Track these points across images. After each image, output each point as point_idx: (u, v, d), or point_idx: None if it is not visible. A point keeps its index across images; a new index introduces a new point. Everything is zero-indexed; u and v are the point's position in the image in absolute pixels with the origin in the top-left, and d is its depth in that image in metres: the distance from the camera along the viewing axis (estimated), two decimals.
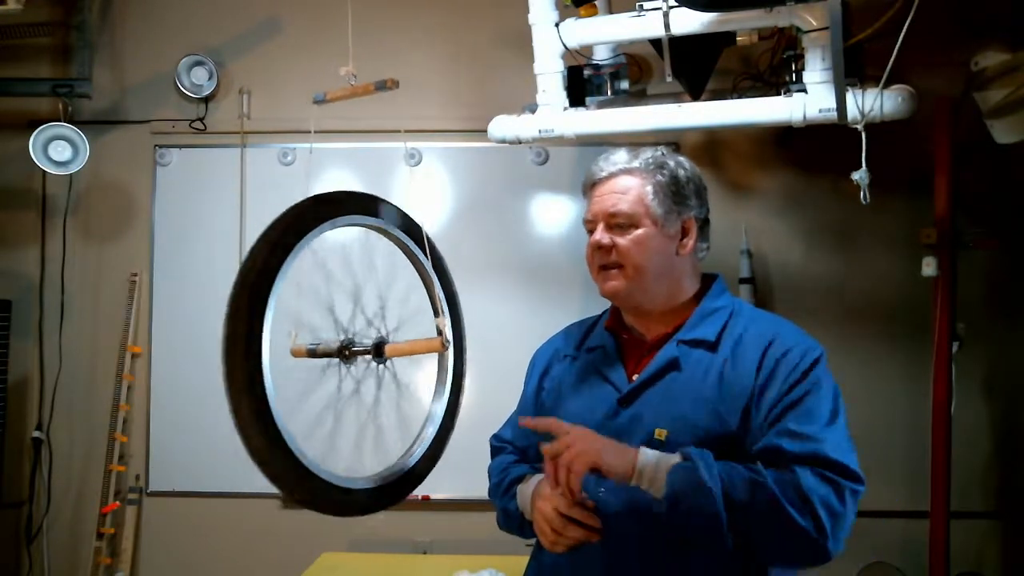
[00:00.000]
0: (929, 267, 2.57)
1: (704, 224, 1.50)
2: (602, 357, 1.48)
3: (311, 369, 1.62)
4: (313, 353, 1.60)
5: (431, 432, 1.72)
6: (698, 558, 1.29)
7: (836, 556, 1.24)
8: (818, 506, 1.20)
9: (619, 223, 1.41)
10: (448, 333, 1.72)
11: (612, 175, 1.44)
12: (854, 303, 2.93)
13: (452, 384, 1.78)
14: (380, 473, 1.61)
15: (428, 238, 1.75)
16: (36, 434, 3.07)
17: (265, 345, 1.35)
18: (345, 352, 1.60)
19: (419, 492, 2.95)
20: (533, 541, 1.46)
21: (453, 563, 2.41)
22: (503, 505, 1.54)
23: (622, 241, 1.41)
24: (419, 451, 1.68)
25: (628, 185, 1.43)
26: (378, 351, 1.62)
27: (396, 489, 1.62)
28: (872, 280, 2.92)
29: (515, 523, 1.52)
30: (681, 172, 1.46)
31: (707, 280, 1.52)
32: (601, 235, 1.42)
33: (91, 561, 3.01)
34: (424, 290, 1.81)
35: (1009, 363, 2.87)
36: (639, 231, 1.41)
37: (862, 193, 2.02)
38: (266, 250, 1.41)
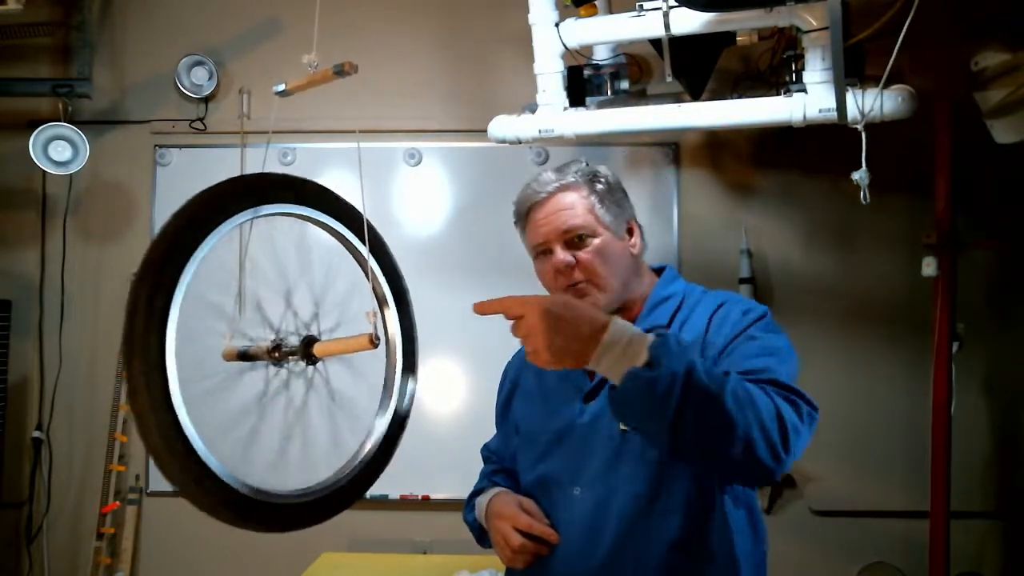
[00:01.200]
0: (929, 267, 2.57)
1: (638, 224, 1.51)
2: None
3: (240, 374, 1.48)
4: (244, 355, 1.47)
5: (369, 448, 1.54)
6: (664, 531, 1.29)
7: (779, 476, 1.16)
8: (785, 416, 1.13)
9: (577, 236, 1.40)
10: (381, 330, 1.52)
11: (550, 195, 1.42)
12: (854, 303, 2.93)
13: (399, 391, 1.59)
14: (307, 488, 1.44)
15: (369, 225, 1.56)
16: (36, 434, 3.07)
17: (170, 346, 1.25)
18: (275, 353, 1.46)
19: (419, 492, 2.97)
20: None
21: (453, 563, 2.40)
22: (464, 516, 1.58)
23: (584, 255, 1.39)
24: (355, 468, 1.51)
25: (571, 200, 1.41)
26: (307, 351, 1.48)
27: (322, 506, 1.44)
28: (872, 280, 2.92)
29: (475, 534, 1.56)
30: (610, 178, 1.46)
31: (659, 272, 1.52)
32: (564, 255, 1.39)
33: (91, 561, 3.01)
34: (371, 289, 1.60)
35: (1009, 363, 2.87)
36: (597, 241, 1.40)
37: (862, 193, 2.02)
38: (170, 238, 1.27)
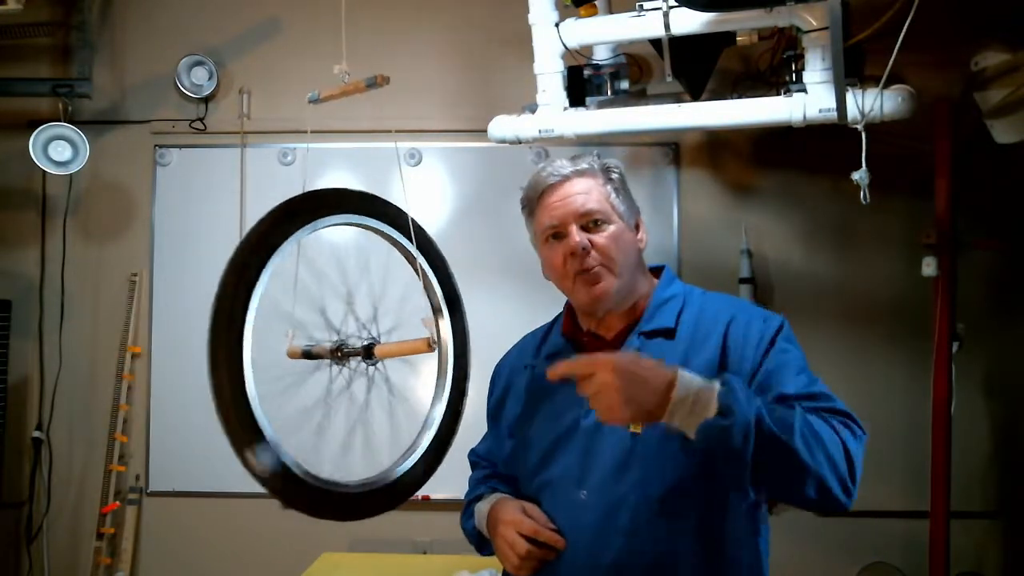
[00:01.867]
0: (929, 267, 2.57)
1: None
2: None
3: (303, 372, 1.61)
4: (308, 355, 1.58)
5: (427, 439, 1.68)
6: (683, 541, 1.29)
7: (851, 506, 1.22)
8: (852, 451, 1.20)
9: (594, 220, 1.38)
10: (436, 333, 1.68)
11: (566, 178, 1.40)
12: (854, 303, 2.93)
13: (451, 389, 1.72)
14: (367, 480, 1.57)
15: (420, 232, 1.71)
16: (36, 434, 3.07)
17: (247, 344, 1.34)
18: (337, 353, 1.58)
19: (419, 492, 2.97)
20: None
21: (453, 563, 2.41)
22: (463, 523, 1.54)
23: (601, 239, 1.37)
24: (412, 459, 1.64)
25: (588, 186, 1.39)
26: (368, 352, 1.59)
27: (385, 496, 1.59)
28: (872, 280, 2.92)
29: (473, 541, 1.52)
30: (622, 171, 1.46)
31: (655, 271, 1.50)
32: (580, 237, 1.37)
33: (91, 561, 3.02)
34: (424, 292, 1.78)
35: (1009, 363, 2.87)
36: (612, 227, 1.38)
37: (862, 193, 2.02)
38: (250, 249, 1.39)
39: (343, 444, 1.70)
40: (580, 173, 1.41)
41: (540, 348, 1.53)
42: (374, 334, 1.63)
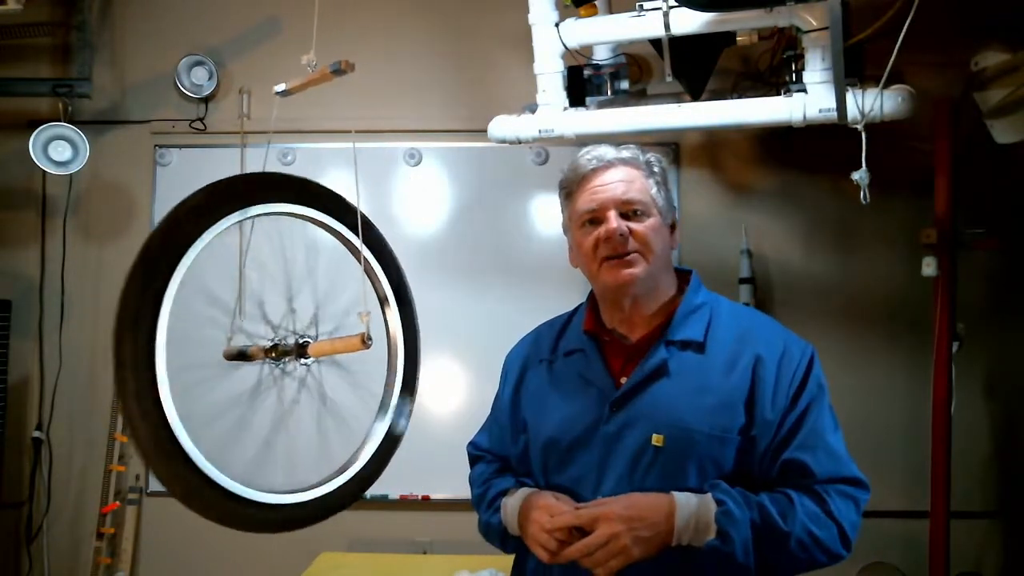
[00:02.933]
0: (929, 267, 2.57)
1: None
2: (584, 361, 1.42)
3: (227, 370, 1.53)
4: (243, 355, 1.50)
5: (368, 451, 1.56)
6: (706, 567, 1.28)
7: None
8: (846, 527, 1.32)
9: (635, 209, 1.36)
10: (373, 330, 1.54)
11: (609, 164, 1.39)
12: (854, 303, 2.93)
13: (401, 389, 1.61)
14: (297, 489, 1.49)
15: (365, 219, 1.59)
16: (36, 434, 3.07)
17: (160, 340, 1.33)
18: (272, 353, 1.49)
19: (419, 492, 2.98)
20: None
21: (453, 563, 2.40)
22: (487, 519, 1.49)
23: (640, 227, 1.36)
24: (352, 471, 1.54)
25: (631, 175, 1.39)
26: (302, 351, 1.50)
27: (317, 508, 1.48)
28: (872, 280, 2.92)
29: (497, 537, 1.48)
30: (664, 168, 1.45)
31: (683, 275, 1.47)
32: (619, 223, 1.35)
33: (91, 561, 3.01)
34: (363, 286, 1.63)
35: (1009, 363, 2.87)
36: (651, 219, 1.38)
37: (862, 193, 2.02)
38: (165, 230, 1.34)
39: (267, 449, 1.60)
40: (624, 161, 1.40)
41: (558, 343, 1.50)
42: (315, 333, 1.54)
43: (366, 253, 1.59)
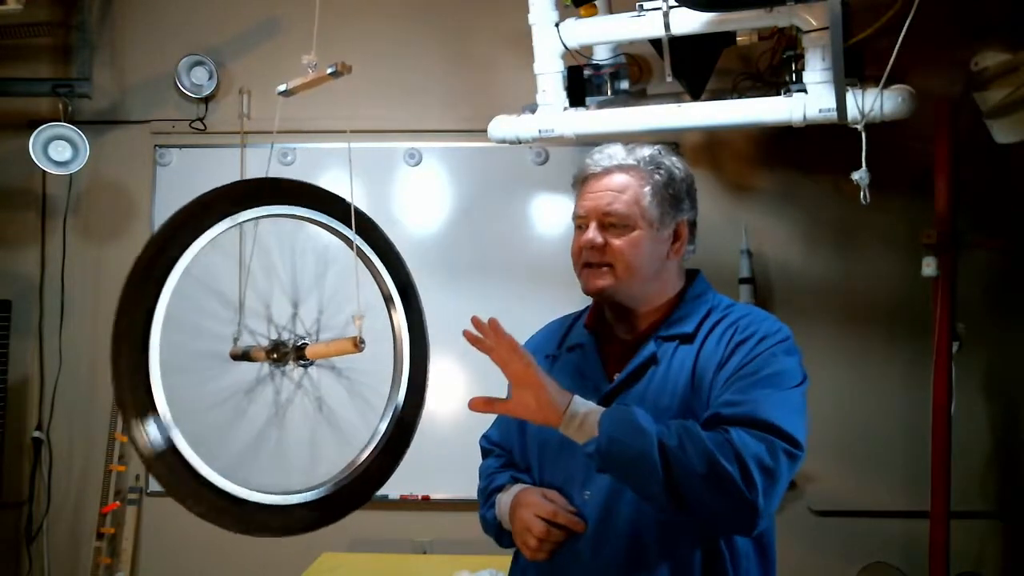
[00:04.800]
0: (929, 267, 2.57)
1: (693, 226, 1.49)
2: (582, 356, 1.46)
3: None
4: (246, 356, 1.50)
5: (368, 453, 1.54)
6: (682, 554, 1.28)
7: (766, 517, 1.21)
8: (748, 459, 1.17)
9: (613, 223, 1.37)
10: (367, 331, 1.48)
11: (607, 171, 1.40)
12: (854, 303, 2.93)
13: (406, 393, 1.58)
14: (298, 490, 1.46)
15: (367, 218, 1.57)
16: (36, 434, 3.07)
17: (155, 336, 1.34)
18: (273, 355, 1.49)
19: (419, 492, 2.97)
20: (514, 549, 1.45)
21: (453, 563, 2.41)
22: (483, 513, 1.52)
23: (616, 242, 1.37)
24: (352, 472, 1.52)
25: (624, 183, 1.38)
26: (300, 353, 1.50)
27: (324, 509, 1.46)
28: (872, 280, 2.92)
29: (493, 532, 1.50)
30: (676, 172, 1.42)
31: (689, 276, 1.49)
32: (594, 234, 1.37)
33: (91, 561, 3.01)
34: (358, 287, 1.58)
35: (1009, 363, 2.87)
36: (634, 233, 1.37)
37: (862, 193, 2.02)
38: (165, 236, 1.37)
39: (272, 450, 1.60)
40: (623, 168, 1.40)
41: (564, 339, 1.53)
42: (316, 335, 1.53)
43: (369, 253, 1.59)
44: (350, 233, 1.54)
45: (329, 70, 1.48)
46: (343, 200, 1.55)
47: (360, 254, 1.57)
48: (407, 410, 1.58)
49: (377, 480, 1.55)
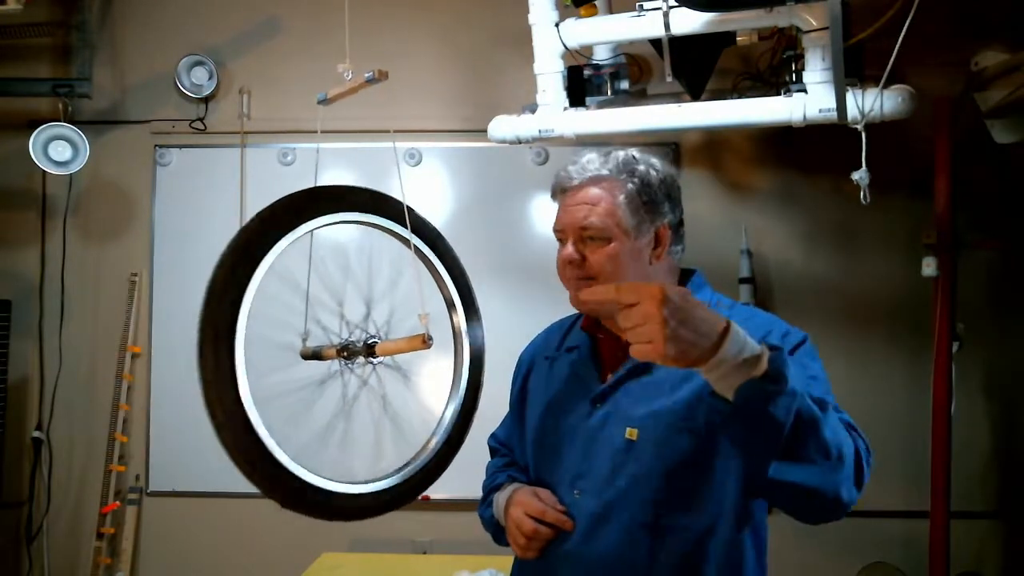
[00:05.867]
0: (929, 267, 2.57)
1: (679, 226, 1.44)
2: (578, 358, 1.46)
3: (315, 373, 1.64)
4: (317, 355, 1.59)
5: (436, 441, 1.69)
6: (672, 543, 1.28)
7: (843, 515, 1.15)
8: (862, 451, 1.15)
9: (591, 236, 1.35)
10: (434, 330, 1.64)
11: (582, 184, 1.38)
12: (854, 303, 2.93)
13: (465, 392, 1.72)
14: (375, 479, 1.61)
15: (427, 227, 1.71)
16: (36, 434, 3.07)
17: (239, 343, 1.36)
18: (343, 353, 1.58)
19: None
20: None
21: (453, 563, 2.41)
22: (481, 512, 1.54)
23: (594, 256, 1.35)
24: (420, 461, 1.67)
25: (598, 196, 1.36)
26: (370, 351, 1.60)
27: (394, 496, 1.64)
28: (872, 280, 2.92)
29: (491, 530, 1.52)
30: (652, 175, 1.39)
31: (686, 275, 1.47)
32: (571, 250, 1.36)
33: (91, 561, 3.01)
34: (439, 291, 1.80)
35: (1009, 363, 2.87)
36: (610, 245, 1.35)
37: (862, 193, 2.02)
38: (243, 245, 1.44)
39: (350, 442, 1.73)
40: (596, 180, 1.37)
41: (564, 340, 1.53)
42: (379, 333, 1.64)
43: (431, 258, 1.72)
44: (407, 233, 1.65)
45: (367, 76, 1.54)
46: (410, 208, 1.67)
47: (421, 257, 1.69)
48: (466, 404, 1.72)
49: (431, 477, 1.71)
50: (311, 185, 1.62)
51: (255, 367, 1.38)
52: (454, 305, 1.74)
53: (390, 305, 1.72)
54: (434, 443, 1.68)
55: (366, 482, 1.58)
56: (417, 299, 1.63)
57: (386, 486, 1.61)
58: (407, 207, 1.66)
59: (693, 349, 0.98)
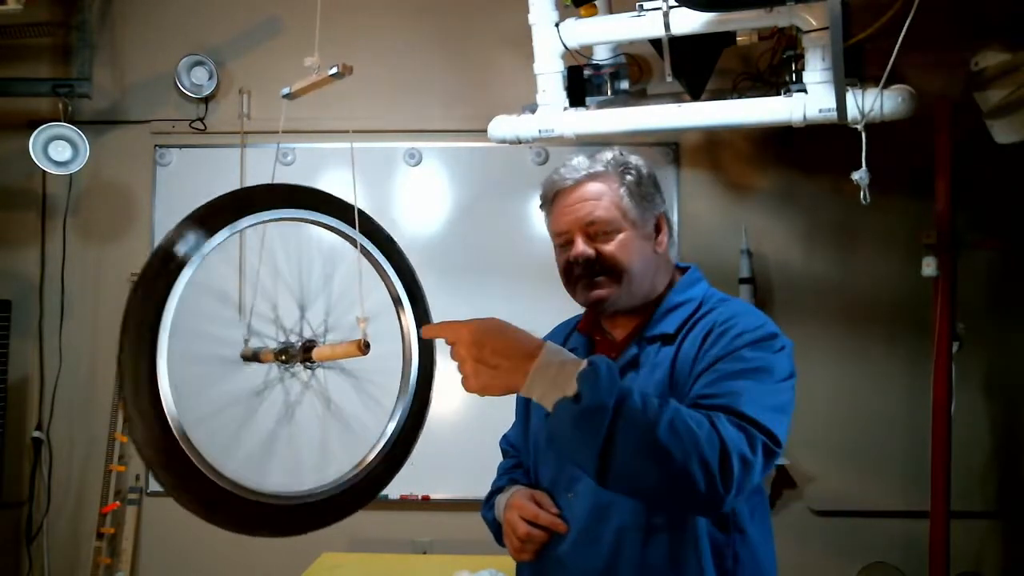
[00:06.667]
0: (929, 267, 2.57)
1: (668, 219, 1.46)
2: None
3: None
4: (256, 357, 1.51)
5: (375, 452, 1.55)
6: (663, 545, 1.27)
7: (725, 508, 1.12)
8: (732, 452, 1.08)
9: (599, 231, 1.36)
10: (372, 334, 1.48)
11: (578, 183, 1.38)
12: (854, 303, 2.93)
13: (413, 398, 1.59)
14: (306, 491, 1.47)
15: (363, 216, 1.57)
16: (36, 434, 3.07)
17: (162, 346, 1.35)
18: (281, 356, 1.49)
19: (419, 492, 2.97)
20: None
21: (453, 563, 2.40)
22: (483, 513, 1.54)
23: (608, 248, 1.35)
24: (353, 475, 1.53)
25: (599, 191, 1.37)
26: (307, 355, 1.49)
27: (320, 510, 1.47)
28: (872, 280, 2.92)
29: (493, 532, 1.52)
30: (643, 169, 1.41)
31: (681, 271, 1.47)
32: (584, 247, 1.35)
33: (91, 561, 3.01)
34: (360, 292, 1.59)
35: (1009, 363, 2.87)
36: (621, 235, 1.36)
37: (862, 193, 2.02)
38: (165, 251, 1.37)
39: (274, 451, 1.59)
40: (593, 177, 1.38)
41: (565, 342, 1.52)
42: (315, 336, 1.53)
43: (375, 254, 1.59)
44: (354, 233, 1.54)
45: (331, 71, 1.48)
46: (346, 202, 1.55)
47: (366, 255, 1.57)
48: (414, 410, 1.59)
49: (383, 480, 1.56)
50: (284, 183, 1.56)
51: (198, 381, 1.35)
52: (400, 301, 1.62)
53: (326, 304, 1.60)
54: (371, 458, 1.55)
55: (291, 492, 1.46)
56: (357, 296, 1.51)
57: (311, 499, 1.46)
58: (331, 197, 1.57)
59: (497, 378, 1.10)
